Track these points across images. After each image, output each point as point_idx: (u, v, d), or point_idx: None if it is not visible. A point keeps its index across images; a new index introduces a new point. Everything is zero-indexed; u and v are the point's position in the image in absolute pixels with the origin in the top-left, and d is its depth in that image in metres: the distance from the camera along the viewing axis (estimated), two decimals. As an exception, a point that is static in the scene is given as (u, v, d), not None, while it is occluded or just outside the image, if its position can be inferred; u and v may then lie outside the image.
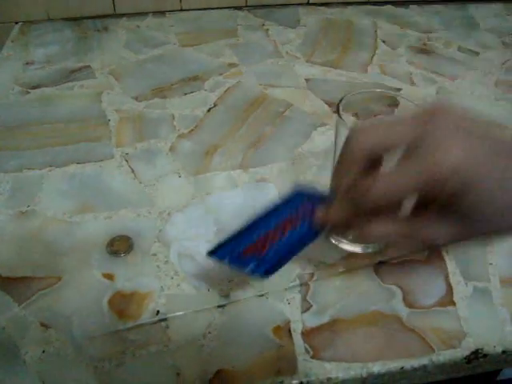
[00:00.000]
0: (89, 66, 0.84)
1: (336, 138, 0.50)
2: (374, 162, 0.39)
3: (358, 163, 0.38)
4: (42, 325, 0.47)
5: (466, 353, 0.45)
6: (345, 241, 0.54)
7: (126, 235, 0.54)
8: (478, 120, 0.37)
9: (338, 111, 0.48)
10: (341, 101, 0.49)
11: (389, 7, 1.06)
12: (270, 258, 0.42)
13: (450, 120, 0.35)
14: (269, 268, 0.42)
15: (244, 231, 0.46)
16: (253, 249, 0.43)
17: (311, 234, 0.44)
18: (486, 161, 0.34)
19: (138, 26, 0.96)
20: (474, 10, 1.07)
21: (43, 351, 0.45)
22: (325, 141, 0.68)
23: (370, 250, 0.53)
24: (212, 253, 0.45)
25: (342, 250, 0.54)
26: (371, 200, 0.37)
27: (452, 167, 0.33)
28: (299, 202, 0.47)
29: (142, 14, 1.00)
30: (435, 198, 0.36)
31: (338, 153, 0.51)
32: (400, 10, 1.06)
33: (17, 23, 0.96)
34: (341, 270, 0.52)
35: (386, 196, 0.37)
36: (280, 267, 0.42)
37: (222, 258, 0.44)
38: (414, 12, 1.06)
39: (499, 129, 0.37)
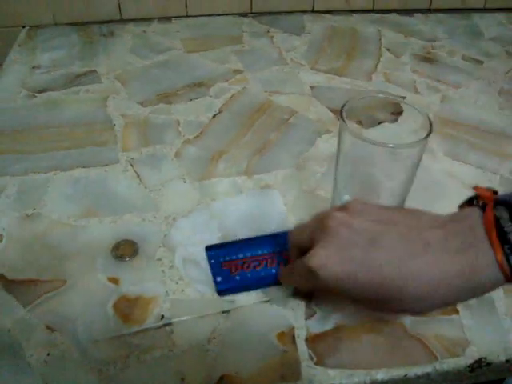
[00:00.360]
0: (95, 71, 0.84)
1: (339, 142, 0.50)
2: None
3: (291, 253, 0.49)
4: (47, 327, 0.47)
5: (470, 361, 0.45)
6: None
7: (131, 240, 0.55)
8: (375, 219, 0.42)
9: (341, 115, 0.48)
10: (344, 105, 0.49)
11: (393, 15, 1.07)
12: (233, 282, 0.50)
13: (339, 224, 0.42)
14: (224, 290, 0.50)
15: (236, 244, 0.54)
16: (229, 265, 0.52)
17: (276, 279, 0.51)
18: (359, 261, 0.39)
19: (144, 32, 0.97)
20: (478, 19, 1.08)
21: (48, 354, 0.45)
22: (329, 148, 0.68)
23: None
24: (208, 248, 0.54)
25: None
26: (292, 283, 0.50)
27: (314, 267, 0.41)
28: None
29: (148, 20, 1.00)
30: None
31: (341, 157, 0.51)
32: (404, 19, 1.06)
33: (24, 27, 0.96)
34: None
35: (296, 282, 0.48)
36: (235, 293, 0.50)
37: (210, 257, 0.53)
38: (418, 20, 1.06)
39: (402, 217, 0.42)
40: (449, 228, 0.39)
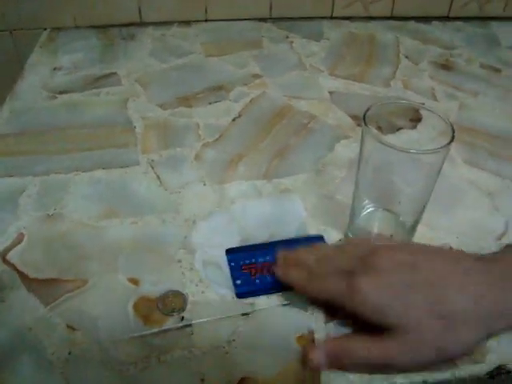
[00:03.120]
0: (115, 73, 0.85)
1: (361, 147, 0.50)
2: None
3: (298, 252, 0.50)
4: (68, 326, 0.47)
5: (489, 368, 0.45)
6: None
7: (178, 290, 0.51)
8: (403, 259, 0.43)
9: (363, 120, 0.48)
10: (367, 110, 0.49)
11: (411, 23, 1.07)
12: (253, 285, 0.51)
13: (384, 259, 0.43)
14: (243, 293, 0.50)
15: (257, 248, 0.54)
16: (249, 268, 0.52)
17: None
18: (405, 302, 0.41)
19: (164, 35, 0.97)
20: (495, 27, 1.08)
21: (69, 352, 0.45)
22: (348, 153, 0.69)
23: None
24: (228, 251, 0.54)
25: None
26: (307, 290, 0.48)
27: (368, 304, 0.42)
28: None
29: (168, 24, 1.01)
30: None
31: (362, 162, 0.51)
32: (422, 26, 1.06)
33: (45, 29, 0.97)
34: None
35: (315, 294, 0.47)
36: (254, 296, 0.50)
37: (230, 260, 0.53)
38: (436, 28, 1.06)
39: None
40: (488, 259, 0.39)
